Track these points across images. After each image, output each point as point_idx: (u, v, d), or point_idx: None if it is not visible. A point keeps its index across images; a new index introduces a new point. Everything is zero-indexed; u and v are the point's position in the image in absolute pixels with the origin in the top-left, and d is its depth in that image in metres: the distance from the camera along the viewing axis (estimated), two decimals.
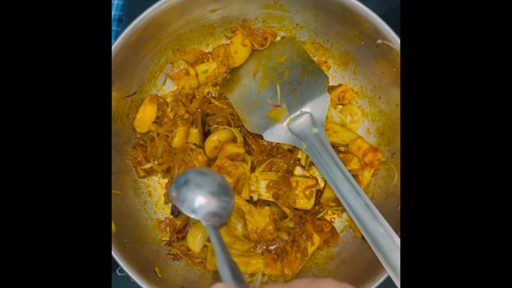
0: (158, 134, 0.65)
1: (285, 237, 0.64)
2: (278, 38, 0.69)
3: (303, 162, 0.66)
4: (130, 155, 0.66)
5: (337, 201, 0.62)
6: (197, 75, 0.67)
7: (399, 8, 0.71)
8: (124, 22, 0.75)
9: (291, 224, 0.64)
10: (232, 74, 0.69)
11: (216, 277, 0.63)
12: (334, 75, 0.70)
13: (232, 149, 0.63)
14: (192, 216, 0.52)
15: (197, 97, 0.68)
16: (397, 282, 0.48)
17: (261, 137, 0.63)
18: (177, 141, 0.63)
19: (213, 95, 0.69)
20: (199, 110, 0.66)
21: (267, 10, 0.65)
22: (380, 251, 0.51)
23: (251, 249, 0.64)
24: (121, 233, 0.58)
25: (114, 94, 0.61)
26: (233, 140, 0.65)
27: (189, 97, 0.68)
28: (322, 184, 0.66)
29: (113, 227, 0.56)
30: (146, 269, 0.57)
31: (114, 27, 0.78)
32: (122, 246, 0.56)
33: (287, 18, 0.66)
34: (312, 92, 0.63)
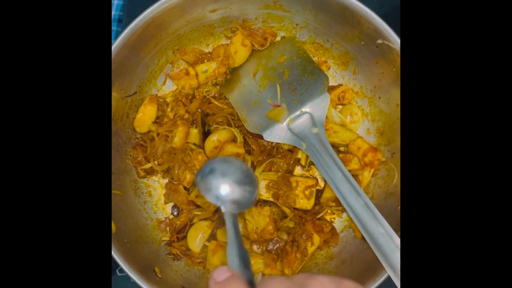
0: (158, 134, 0.65)
1: (285, 237, 0.64)
2: (278, 38, 0.69)
3: (303, 162, 0.66)
4: (130, 155, 0.66)
5: (337, 201, 0.62)
6: (197, 75, 0.67)
7: (399, 8, 0.71)
8: (124, 22, 0.75)
9: (291, 224, 0.64)
10: (232, 74, 0.69)
11: None
12: (334, 75, 0.70)
13: (232, 149, 0.63)
14: (215, 203, 0.53)
15: (197, 97, 0.68)
16: (397, 282, 0.48)
17: (261, 137, 0.63)
18: (177, 141, 0.63)
19: (213, 95, 0.69)
20: (199, 110, 0.66)
21: (267, 10, 0.65)
22: (380, 251, 0.51)
23: (251, 249, 0.64)
24: (121, 233, 0.58)
25: (114, 94, 0.61)
26: (233, 140, 0.65)
27: (189, 97, 0.68)
28: (322, 184, 0.66)
29: (113, 227, 0.56)
30: (146, 269, 0.57)
31: (114, 27, 0.78)
32: (122, 246, 0.56)
33: (287, 18, 0.66)
34: (312, 92, 0.63)
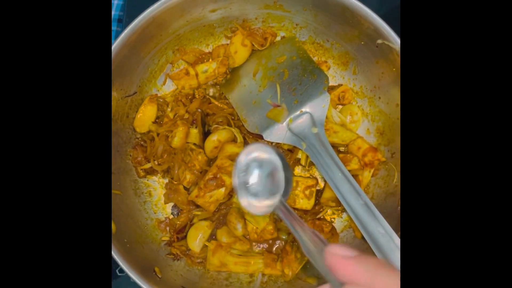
0: (158, 134, 0.65)
1: (285, 237, 0.64)
2: (278, 38, 0.69)
3: (303, 162, 0.66)
4: (130, 155, 0.66)
5: (337, 201, 0.62)
6: (197, 75, 0.67)
7: (399, 8, 0.71)
8: (124, 22, 0.75)
9: None
10: (232, 74, 0.69)
11: (215, 276, 0.63)
12: (334, 75, 0.70)
13: (232, 149, 0.63)
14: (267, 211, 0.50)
15: (197, 97, 0.68)
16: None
17: (261, 137, 0.63)
18: (177, 141, 0.63)
19: (212, 94, 0.69)
20: (199, 110, 0.66)
21: (267, 10, 0.65)
22: (380, 251, 0.51)
23: (251, 249, 0.64)
24: (121, 233, 0.58)
25: (114, 94, 0.61)
26: (233, 140, 0.65)
27: (189, 97, 0.68)
28: (322, 184, 0.66)
29: (113, 227, 0.56)
30: (146, 269, 0.57)
31: (114, 27, 0.78)
32: (122, 246, 0.56)
33: (287, 18, 0.66)
34: (312, 92, 0.63)
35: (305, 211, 0.64)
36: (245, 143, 0.65)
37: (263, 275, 0.63)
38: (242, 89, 0.67)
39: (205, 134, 0.66)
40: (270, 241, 0.64)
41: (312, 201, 0.63)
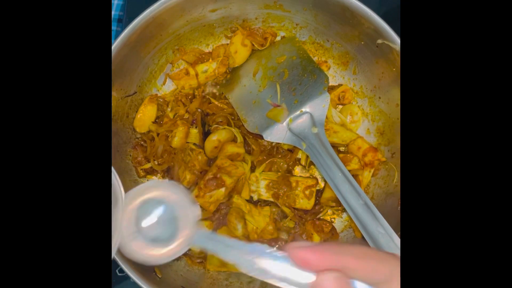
0: (158, 134, 0.65)
1: (285, 237, 0.64)
2: (278, 38, 0.69)
3: (303, 162, 0.66)
4: (130, 155, 0.66)
5: (337, 201, 0.62)
6: (197, 75, 0.67)
7: (399, 8, 0.71)
8: (124, 22, 0.75)
9: (291, 224, 0.64)
10: (232, 74, 0.69)
11: (215, 276, 0.63)
12: (334, 75, 0.70)
13: (232, 149, 0.63)
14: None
15: (197, 96, 0.68)
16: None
17: (261, 137, 0.63)
18: (177, 141, 0.63)
19: (209, 92, 0.69)
20: (199, 110, 0.66)
21: (267, 10, 0.65)
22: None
23: None
24: None
25: (114, 94, 0.61)
26: (233, 140, 0.65)
27: (189, 97, 0.68)
28: (322, 184, 0.66)
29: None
30: (146, 269, 0.57)
31: (114, 27, 0.78)
32: None
33: (287, 18, 0.66)
34: (312, 92, 0.63)
35: (305, 211, 0.64)
36: (245, 143, 0.65)
37: None
38: (242, 89, 0.67)
39: (205, 134, 0.66)
40: (270, 241, 0.64)
41: (312, 201, 0.63)
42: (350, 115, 0.68)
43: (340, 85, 0.69)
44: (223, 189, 0.61)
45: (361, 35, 0.61)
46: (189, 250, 0.63)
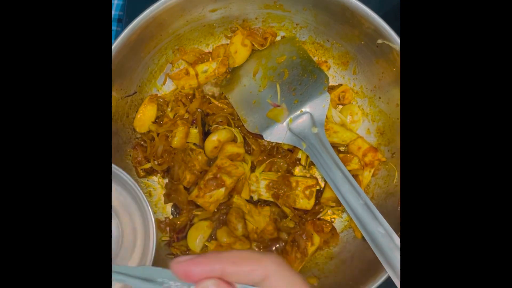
0: (158, 134, 0.65)
1: (285, 237, 0.64)
2: (278, 38, 0.69)
3: (303, 162, 0.66)
4: (130, 155, 0.66)
5: (337, 201, 0.62)
6: (197, 75, 0.67)
7: (399, 8, 0.71)
8: (124, 22, 0.75)
9: (291, 224, 0.64)
10: (232, 74, 0.69)
11: None
12: (334, 75, 0.70)
13: (232, 149, 0.63)
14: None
15: (197, 96, 0.68)
16: (397, 282, 0.48)
17: (261, 137, 0.63)
18: (177, 141, 0.63)
19: (210, 93, 0.69)
20: (199, 110, 0.66)
21: (267, 10, 0.65)
22: (380, 251, 0.50)
23: (251, 249, 0.64)
24: None
25: (114, 94, 0.61)
26: (233, 140, 0.65)
27: (189, 97, 0.68)
28: (322, 184, 0.66)
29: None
30: None
31: (114, 27, 0.78)
32: None
33: (287, 18, 0.66)
34: (312, 92, 0.63)
35: (305, 211, 0.64)
36: (245, 143, 0.65)
37: None
38: (242, 89, 0.67)
39: (205, 134, 0.66)
40: (270, 241, 0.64)
41: (312, 201, 0.63)
42: (350, 115, 0.68)
43: (340, 85, 0.69)
44: (223, 189, 0.61)
45: (361, 35, 0.61)
46: (189, 250, 0.63)
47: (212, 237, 0.64)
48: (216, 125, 0.65)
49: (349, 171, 0.57)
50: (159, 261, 0.61)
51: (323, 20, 0.64)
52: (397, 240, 0.50)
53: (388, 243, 0.50)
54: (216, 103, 0.67)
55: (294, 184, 0.62)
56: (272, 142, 0.65)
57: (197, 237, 0.63)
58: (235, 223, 0.62)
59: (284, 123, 0.62)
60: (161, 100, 0.67)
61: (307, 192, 0.62)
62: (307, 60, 0.65)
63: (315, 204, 0.64)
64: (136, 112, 0.66)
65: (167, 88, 0.69)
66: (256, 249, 0.65)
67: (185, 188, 0.65)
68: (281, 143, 0.64)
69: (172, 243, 0.64)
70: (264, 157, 0.65)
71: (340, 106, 0.69)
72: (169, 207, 0.67)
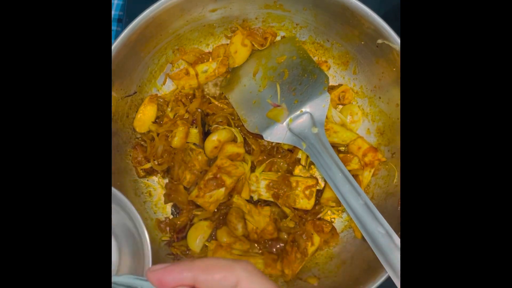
0: (158, 134, 0.65)
1: (285, 237, 0.64)
2: (278, 38, 0.69)
3: (303, 162, 0.66)
4: (130, 155, 0.66)
5: (337, 201, 0.62)
6: (197, 75, 0.67)
7: (399, 8, 0.71)
8: (124, 22, 0.75)
9: (291, 224, 0.64)
10: (232, 74, 0.69)
11: None
12: (334, 75, 0.70)
13: (232, 149, 0.63)
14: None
15: (197, 96, 0.68)
16: (397, 282, 0.48)
17: (261, 137, 0.63)
18: (177, 141, 0.63)
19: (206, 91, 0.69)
20: (199, 110, 0.66)
21: (267, 10, 0.65)
22: (380, 251, 0.50)
23: (251, 249, 0.64)
24: None
25: (114, 94, 0.61)
26: (233, 140, 0.65)
27: (189, 97, 0.68)
28: (322, 184, 0.66)
29: None
30: None
31: (114, 27, 0.78)
32: None
33: (287, 18, 0.66)
34: (312, 92, 0.63)
35: (305, 211, 0.64)
36: (245, 143, 0.65)
37: None
38: (242, 89, 0.67)
39: (205, 134, 0.66)
40: (270, 241, 0.64)
41: (312, 201, 0.63)
42: (350, 115, 0.68)
43: (340, 85, 0.69)
44: (223, 189, 0.61)
45: (361, 35, 0.61)
46: (189, 250, 0.63)
47: (212, 237, 0.64)
48: (216, 125, 0.65)
49: (349, 171, 0.57)
50: (159, 261, 0.61)
51: (323, 20, 0.64)
52: (397, 240, 0.50)
53: (388, 243, 0.50)
54: (216, 103, 0.67)
55: (294, 184, 0.62)
56: (272, 142, 0.65)
57: (197, 237, 0.63)
58: (235, 223, 0.62)
59: (284, 123, 0.62)
60: (161, 100, 0.67)
61: (307, 192, 0.62)
62: (307, 60, 0.65)
63: (315, 204, 0.64)
64: (136, 112, 0.66)
65: (167, 88, 0.69)
66: (256, 248, 0.65)
67: (185, 188, 0.65)
68: (281, 143, 0.64)
69: (172, 243, 0.64)
70: (264, 157, 0.65)
71: (340, 106, 0.69)
72: (169, 207, 0.67)
